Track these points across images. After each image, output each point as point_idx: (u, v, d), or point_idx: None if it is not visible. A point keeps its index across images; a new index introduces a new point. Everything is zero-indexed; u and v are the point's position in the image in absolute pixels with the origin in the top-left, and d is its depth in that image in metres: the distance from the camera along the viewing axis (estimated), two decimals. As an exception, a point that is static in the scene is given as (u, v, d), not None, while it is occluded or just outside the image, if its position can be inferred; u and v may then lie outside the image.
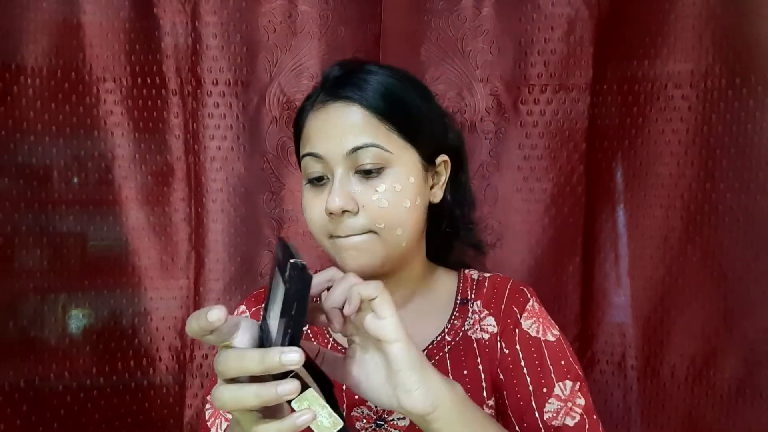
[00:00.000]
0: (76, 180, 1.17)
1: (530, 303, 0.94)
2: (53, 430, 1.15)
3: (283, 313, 0.58)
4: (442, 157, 0.94)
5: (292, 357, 0.57)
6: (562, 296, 1.24)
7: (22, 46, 1.12)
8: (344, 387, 0.89)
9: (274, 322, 0.61)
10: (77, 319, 1.19)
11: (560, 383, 0.87)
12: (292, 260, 0.58)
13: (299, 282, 0.58)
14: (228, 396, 0.60)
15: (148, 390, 1.23)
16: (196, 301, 1.24)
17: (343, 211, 0.83)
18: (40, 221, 1.15)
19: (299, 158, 0.92)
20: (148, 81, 1.21)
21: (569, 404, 0.86)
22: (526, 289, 0.96)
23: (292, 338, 0.58)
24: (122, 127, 1.20)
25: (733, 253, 1.10)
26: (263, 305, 0.66)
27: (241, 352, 0.60)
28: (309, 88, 1.19)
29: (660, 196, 1.16)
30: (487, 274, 1.01)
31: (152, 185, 1.22)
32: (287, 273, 0.58)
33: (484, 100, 1.23)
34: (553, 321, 0.93)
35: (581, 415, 0.85)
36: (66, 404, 1.17)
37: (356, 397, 0.89)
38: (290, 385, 0.58)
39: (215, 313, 0.58)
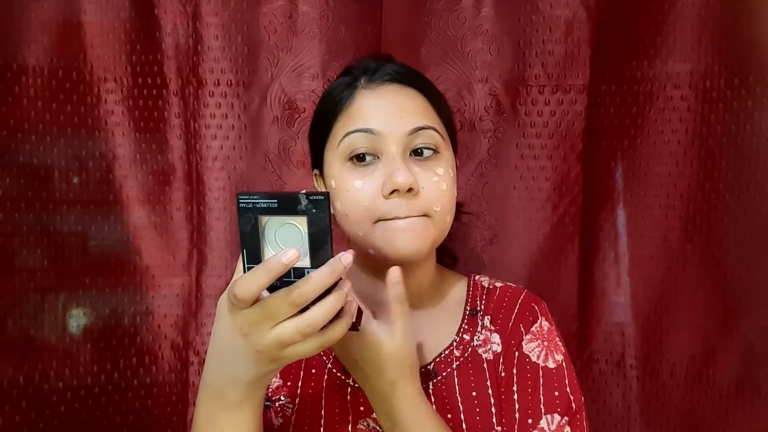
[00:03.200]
0: (76, 180, 1.17)
1: (538, 323, 0.92)
2: (54, 428, 1.15)
3: (313, 240, 0.64)
4: (456, 159, 0.95)
5: (289, 255, 0.61)
6: (558, 293, 1.24)
7: (23, 47, 1.12)
8: (348, 398, 0.89)
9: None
10: (78, 318, 1.19)
11: (548, 416, 0.85)
12: (305, 192, 0.63)
13: (323, 208, 0.63)
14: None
15: (150, 388, 1.23)
16: (198, 298, 1.25)
17: (408, 189, 0.82)
18: (41, 221, 1.15)
19: (333, 139, 0.89)
20: (149, 81, 1.21)
21: None
22: (537, 306, 0.94)
23: (324, 255, 0.64)
24: (123, 127, 1.20)
25: (731, 253, 1.10)
26: (241, 259, 0.67)
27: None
28: (310, 88, 1.22)
29: (659, 196, 1.16)
30: (498, 284, 0.99)
31: (153, 185, 1.23)
32: (305, 205, 0.63)
33: (483, 99, 1.24)
34: (560, 343, 0.92)
35: None
36: (67, 402, 1.17)
37: (361, 408, 0.88)
38: (290, 252, 0.62)
39: (292, 253, 0.62)
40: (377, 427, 0.87)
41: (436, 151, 0.87)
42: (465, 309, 0.96)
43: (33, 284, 1.15)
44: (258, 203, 0.64)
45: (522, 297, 0.96)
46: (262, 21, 1.23)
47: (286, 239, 0.64)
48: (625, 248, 1.20)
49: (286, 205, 0.63)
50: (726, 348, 1.11)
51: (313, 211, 0.63)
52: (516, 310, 0.94)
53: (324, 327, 0.65)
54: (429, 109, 0.89)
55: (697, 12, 1.09)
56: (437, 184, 0.85)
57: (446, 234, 0.90)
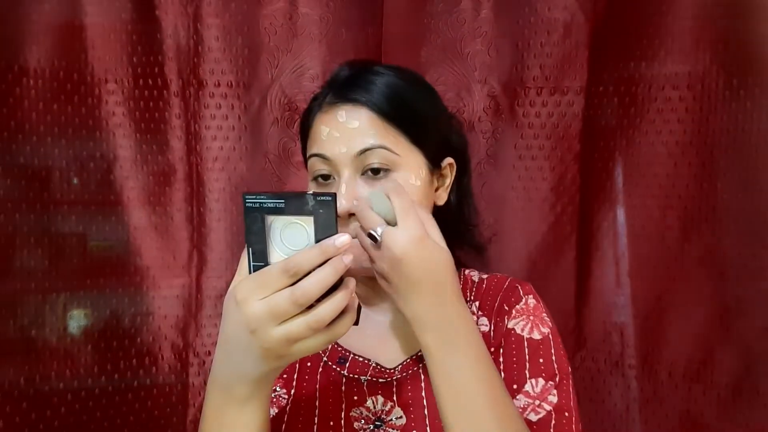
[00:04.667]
0: (77, 180, 1.18)
1: (522, 301, 0.94)
2: (55, 429, 1.16)
3: (319, 240, 0.65)
4: (448, 160, 0.96)
5: (344, 238, 0.64)
6: (555, 292, 1.24)
7: (24, 48, 1.13)
8: (343, 388, 0.91)
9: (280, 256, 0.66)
10: (78, 319, 1.19)
11: (532, 380, 0.86)
12: (312, 193, 0.65)
13: (329, 209, 0.64)
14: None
15: (150, 389, 1.23)
16: (198, 299, 1.25)
17: (350, 214, 0.84)
18: (42, 222, 1.16)
19: (305, 157, 0.93)
20: (150, 82, 1.22)
21: (537, 401, 0.85)
22: (520, 287, 0.96)
23: None
24: (124, 128, 1.21)
25: (730, 253, 1.11)
26: (247, 258, 0.67)
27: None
28: (310, 90, 1.22)
29: (658, 196, 1.17)
30: (486, 276, 1.01)
31: (154, 185, 1.23)
32: (312, 205, 0.64)
33: (482, 100, 1.25)
34: (547, 318, 0.93)
35: (549, 412, 0.84)
36: (67, 403, 1.17)
37: (355, 398, 0.90)
38: (344, 237, 0.64)
39: (345, 238, 0.64)
40: (370, 415, 0.88)
41: (389, 169, 0.88)
42: None
43: (34, 285, 1.16)
44: (265, 203, 0.65)
45: (507, 282, 0.98)
46: (263, 22, 1.23)
47: (292, 239, 0.65)
48: (624, 248, 1.21)
49: (294, 205, 0.64)
50: (724, 348, 1.12)
51: (320, 211, 0.64)
52: (501, 294, 0.96)
53: (329, 323, 0.66)
54: (380, 125, 0.88)
55: (695, 13, 1.10)
56: None
57: None
